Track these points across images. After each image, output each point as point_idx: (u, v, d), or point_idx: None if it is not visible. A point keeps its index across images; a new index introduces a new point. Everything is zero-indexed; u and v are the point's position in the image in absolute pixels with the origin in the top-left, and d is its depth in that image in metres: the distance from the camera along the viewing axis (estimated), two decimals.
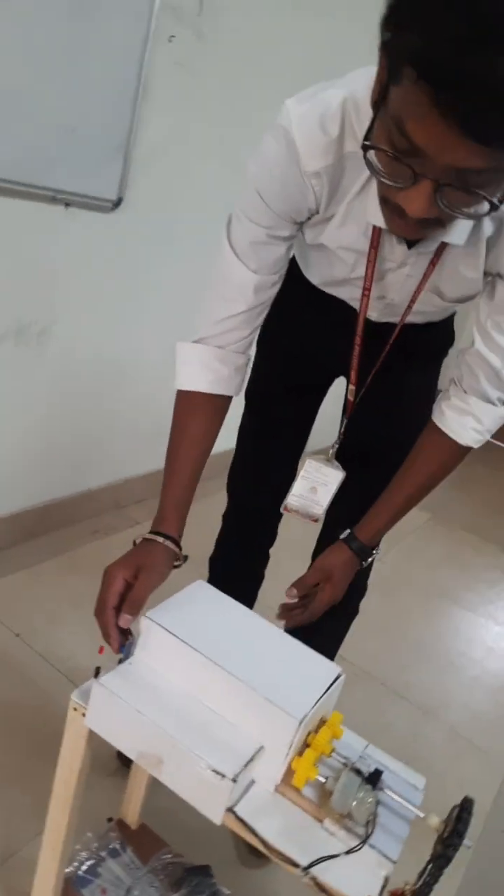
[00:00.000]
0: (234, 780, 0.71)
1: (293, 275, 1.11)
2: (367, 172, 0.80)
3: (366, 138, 0.68)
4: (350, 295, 1.04)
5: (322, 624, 1.08)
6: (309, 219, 0.92)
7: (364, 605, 1.34)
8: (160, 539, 0.93)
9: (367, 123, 0.69)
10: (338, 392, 1.22)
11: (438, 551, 2.72)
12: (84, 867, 1.02)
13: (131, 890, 1.00)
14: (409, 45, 0.58)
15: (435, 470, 1.05)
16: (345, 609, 1.19)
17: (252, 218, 0.90)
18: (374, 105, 0.67)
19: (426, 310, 1.02)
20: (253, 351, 1.04)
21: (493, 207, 0.66)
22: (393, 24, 0.60)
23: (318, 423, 1.31)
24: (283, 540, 1.40)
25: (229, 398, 1.01)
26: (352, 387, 1.11)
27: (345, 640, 1.38)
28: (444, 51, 0.55)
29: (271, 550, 1.41)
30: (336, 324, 1.08)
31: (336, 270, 1.01)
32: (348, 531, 1.10)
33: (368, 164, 0.69)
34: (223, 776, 0.71)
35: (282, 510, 1.19)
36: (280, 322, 1.19)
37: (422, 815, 0.74)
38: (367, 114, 0.70)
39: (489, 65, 0.54)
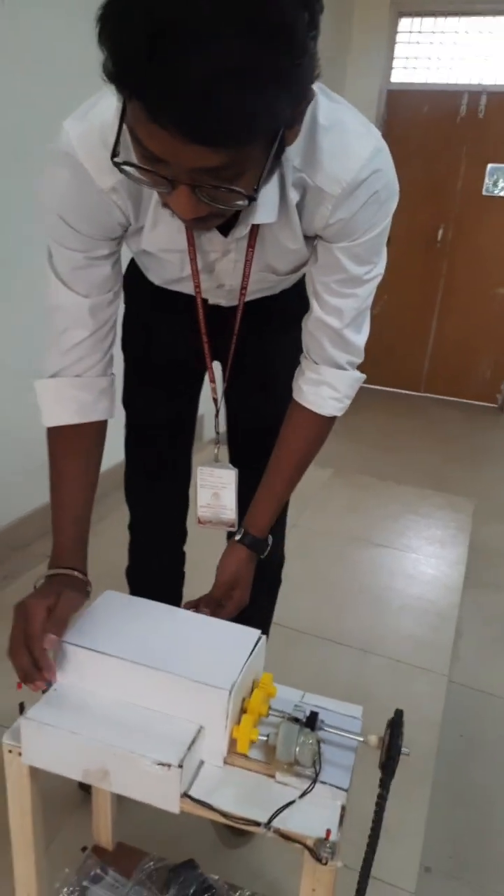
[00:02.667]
0: (181, 766, 0.72)
1: (138, 279, 1.11)
2: None
3: (113, 154, 0.67)
4: (191, 290, 1.04)
5: (247, 608, 1.10)
6: (125, 231, 0.91)
7: (287, 570, 1.38)
8: (66, 571, 0.91)
9: None
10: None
11: (344, 500, 2.82)
12: None
13: None
14: (106, 64, 0.58)
15: (306, 447, 1.07)
16: (265, 584, 1.21)
17: (66, 245, 0.88)
18: (119, 118, 0.66)
19: (266, 286, 1.04)
20: (118, 369, 1.04)
21: (250, 199, 0.66)
22: (98, 37, 0.58)
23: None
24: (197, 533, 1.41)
25: (103, 422, 1.00)
26: (212, 384, 1.13)
27: (277, 609, 1.42)
28: (130, 63, 0.56)
29: (185, 547, 1.41)
30: (189, 317, 1.07)
31: (168, 272, 1.02)
32: (240, 530, 1.10)
33: (128, 175, 0.69)
34: (169, 766, 0.72)
35: (198, 524, 1.20)
36: (135, 327, 1.19)
37: (361, 739, 0.78)
38: None
39: (177, 67, 0.54)
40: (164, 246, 0.93)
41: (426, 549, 2.47)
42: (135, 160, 0.66)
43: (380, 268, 0.95)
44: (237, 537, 1.10)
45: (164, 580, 1.41)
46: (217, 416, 1.17)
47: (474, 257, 4.27)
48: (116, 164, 0.67)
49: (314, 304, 0.97)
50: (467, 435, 3.95)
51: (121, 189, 0.83)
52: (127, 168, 0.67)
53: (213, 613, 1.02)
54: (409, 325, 4.47)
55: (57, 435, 0.98)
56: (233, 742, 0.78)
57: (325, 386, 1.01)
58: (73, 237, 0.87)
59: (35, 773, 0.82)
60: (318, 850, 0.69)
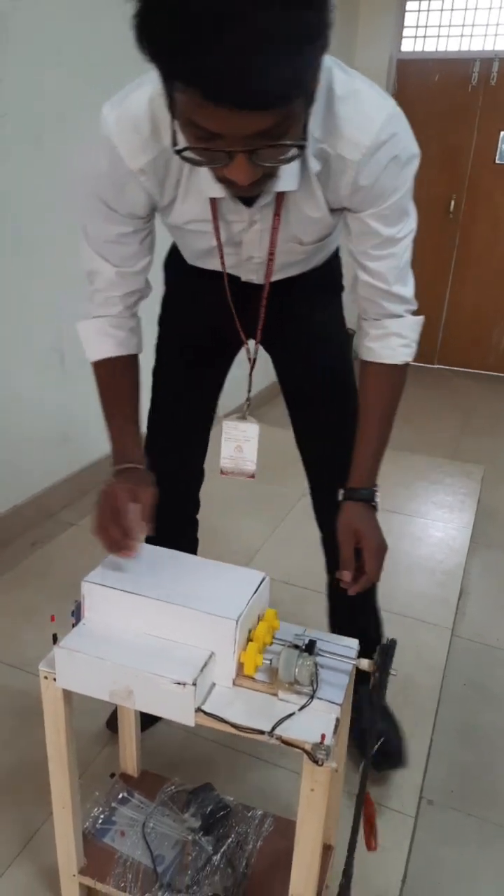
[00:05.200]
0: (195, 685, 0.83)
1: (176, 259, 1.21)
2: None
3: (174, 143, 0.77)
4: (218, 265, 1.11)
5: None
6: (153, 211, 1.01)
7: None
8: (133, 466, 1.04)
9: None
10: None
11: None
12: (99, 820, 1.12)
13: (146, 824, 1.11)
14: (156, 61, 0.67)
15: (388, 398, 1.11)
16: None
17: (99, 221, 1.00)
18: (169, 110, 0.75)
19: (294, 259, 1.10)
20: (141, 313, 1.15)
21: (302, 146, 0.75)
22: (139, 42, 0.66)
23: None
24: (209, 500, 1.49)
25: (135, 356, 1.13)
26: (246, 346, 1.21)
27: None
28: (177, 56, 0.64)
29: (198, 516, 1.47)
30: (221, 294, 1.13)
31: (196, 244, 1.10)
32: (342, 491, 1.10)
33: (187, 160, 0.77)
34: (184, 684, 0.83)
35: (220, 474, 1.27)
36: (172, 303, 1.29)
37: (354, 662, 0.88)
38: None
39: (224, 47, 0.61)
40: (191, 218, 1.01)
41: (435, 514, 2.55)
42: (186, 144, 0.74)
43: (411, 223, 1.02)
44: (341, 497, 1.10)
45: (178, 544, 1.48)
46: (251, 375, 1.25)
47: (488, 226, 4.27)
48: (178, 153, 0.76)
49: (360, 273, 1.05)
50: (481, 405, 3.99)
51: (148, 171, 0.93)
52: (187, 154, 0.75)
53: (356, 578, 1.05)
54: (422, 297, 4.40)
55: (101, 367, 1.11)
56: (240, 666, 0.88)
57: (393, 336, 1.08)
58: (106, 215, 0.98)
59: (68, 697, 0.93)
60: (315, 753, 0.79)
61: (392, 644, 0.87)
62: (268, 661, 0.87)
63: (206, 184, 0.92)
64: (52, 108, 1.95)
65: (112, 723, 1.41)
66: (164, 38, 0.64)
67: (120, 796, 1.17)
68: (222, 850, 1.08)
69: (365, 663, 0.87)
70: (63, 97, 1.96)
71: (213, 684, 0.89)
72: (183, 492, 1.43)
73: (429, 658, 1.76)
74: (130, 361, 1.13)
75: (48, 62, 1.91)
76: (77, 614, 0.94)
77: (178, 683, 0.83)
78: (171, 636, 0.90)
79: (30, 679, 1.60)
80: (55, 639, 0.90)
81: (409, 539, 2.36)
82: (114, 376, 1.11)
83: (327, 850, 1.11)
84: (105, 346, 1.10)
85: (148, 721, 1.39)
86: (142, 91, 0.88)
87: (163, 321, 1.30)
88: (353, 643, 0.95)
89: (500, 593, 2.13)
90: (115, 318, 1.09)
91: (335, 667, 0.89)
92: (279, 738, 0.81)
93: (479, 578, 2.19)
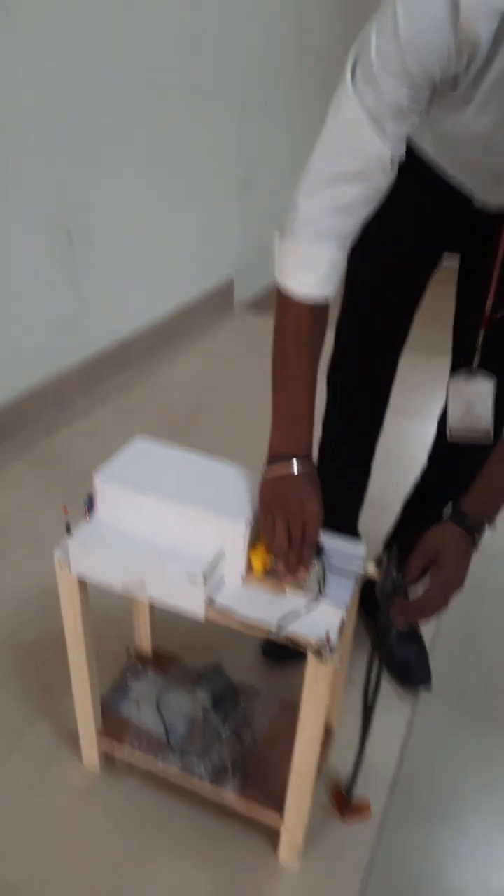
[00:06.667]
0: (205, 577, 0.85)
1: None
2: None
3: None
4: (473, 183, 0.97)
5: None
6: (448, 87, 0.79)
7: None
8: (300, 465, 0.91)
9: None
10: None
11: None
12: (116, 693, 1.20)
13: (160, 695, 1.19)
14: None
15: None
16: None
17: (396, 80, 0.76)
18: None
19: None
20: None
21: None
22: None
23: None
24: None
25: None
26: (491, 300, 1.06)
27: None
28: None
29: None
30: (445, 204, 1.03)
31: (456, 159, 0.95)
32: (450, 508, 0.92)
33: None
34: (195, 575, 0.85)
35: (448, 439, 1.16)
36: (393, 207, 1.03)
37: (361, 563, 0.89)
38: None
39: None
40: (478, 131, 0.84)
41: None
42: None
43: None
44: (445, 517, 0.91)
45: (354, 470, 1.44)
46: (483, 327, 1.10)
47: None
48: None
49: None
50: None
51: (480, 43, 0.72)
52: None
53: (411, 595, 0.89)
54: None
55: (307, 310, 0.92)
56: (249, 566, 0.89)
57: None
58: (406, 75, 0.76)
59: (83, 582, 0.96)
60: (320, 650, 0.82)
61: (391, 546, 0.87)
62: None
63: None
64: None
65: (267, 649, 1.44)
66: None
67: (135, 671, 1.25)
68: (230, 724, 1.15)
69: (371, 567, 0.88)
70: None
71: (223, 580, 0.91)
72: (366, 417, 1.35)
73: None
74: (328, 312, 0.95)
75: None
76: (90, 505, 0.95)
77: (190, 574, 0.85)
78: (182, 535, 0.91)
79: (49, 558, 1.67)
80: (68, 529, 0.92)
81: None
82: (316, 326, 0.93)
83: (328, 732, 1.18)
84: (331, 285, 0.91)
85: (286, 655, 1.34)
86: None
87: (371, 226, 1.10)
88: (361, 549, 0.96)
89: None
90: (346, 241, 0.89)
91: (343, 569, 0.90)
92: (286, 635, 0.83)
93: None
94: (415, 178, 1.00)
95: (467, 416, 1.12)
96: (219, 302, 3.09)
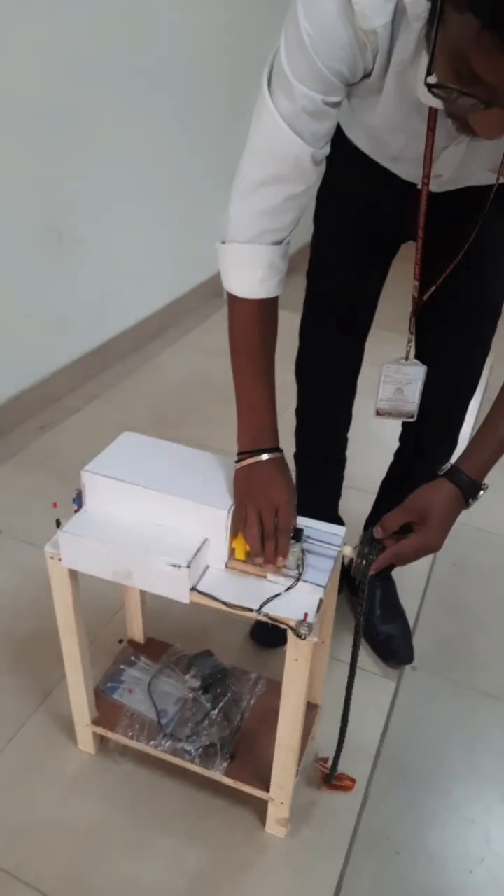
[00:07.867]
0: (189, 566, 0.89)
1: (342, 146, 1.06)
2: (417, 41, 0.75)
3: (428, 72, 0.66)
4: (404, 172, 1.01)
5: None
6: (361, 80, 0.83)
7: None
8: (280, 454, 0.97)
9: None
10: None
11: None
12: (109, 680, 1.25)
13: (151, 683, 1.24)
14: None
15: None
16: None
17: (307, 85, 0.79)
18: (428, 36, 0.65)
19: (475, 179, 1.00)
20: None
21: None
22: None
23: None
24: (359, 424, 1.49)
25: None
26: (416, 283, 1.10)
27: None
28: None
29: (349, 434, 1.48)
30: (390, 189, 1.05)
31: (385, 149, 0.99)
32: (448, 465, 0.93)
33: (434, 95, 0.67)
34: (179, 566, 0.89)
35: (374, 416, 1.21)
36: (333, 196, 1.13)
37: (338, 548, 0.94)
38: None
39: None
40: (394, 124, 0.89)
41: None
42: (439, 80, 0.65)
43: None
44: (443, 472, 0.93)
45: (327, 462, 1.50)
46: (413, 314, 1.14)
47: None
48: (430, 87, 0.66)
49: None
50: None
51: (379, 34, 0.76)
52: (437, 91, 0.66)
53: (388, 544, 0.92)
54: None
55: (250, 307, 0.96)
56: (232, 551, 0.94)
57: None
58: (316, 76, 0.79)
59: (74, 573, 1.00)
60: (298, 629, 0.86)
61: (370, 531, 0.92)
62: None
63: (425, 89, 0.72)
64: None
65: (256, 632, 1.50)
66: None
67: (128, 659, 1.29)
68: (219, 705, 1.20)
69: (348, 549, 0.93)
70: None
71: (207, 567, 0.95)
72: (336, 409, 1.41)
73: None
74: (276, 305, 0.99)
75: None
76: (78, 501, 0.99)
77: (174, 566, 0.89)
78: (167, 523, 0.95)
79: (42, 554, 1.71)
80: (58, 523, 0.96)
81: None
82: (261, 322, 0.96)
83: (313, 708, 1.23)
84: (271, 282, 0.94)
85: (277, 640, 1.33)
86: None
87: (320, 216, 1.18)
88: (340, 530, 1.00)
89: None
90: (283, 244, 0.92)
91: (321, 552, 0.95)
92: (266, 616, 0.88)
93: None
94: (361, 170, 1.06)
95: (395, 398, 1.19)
96: (209, 296, 3.12)
